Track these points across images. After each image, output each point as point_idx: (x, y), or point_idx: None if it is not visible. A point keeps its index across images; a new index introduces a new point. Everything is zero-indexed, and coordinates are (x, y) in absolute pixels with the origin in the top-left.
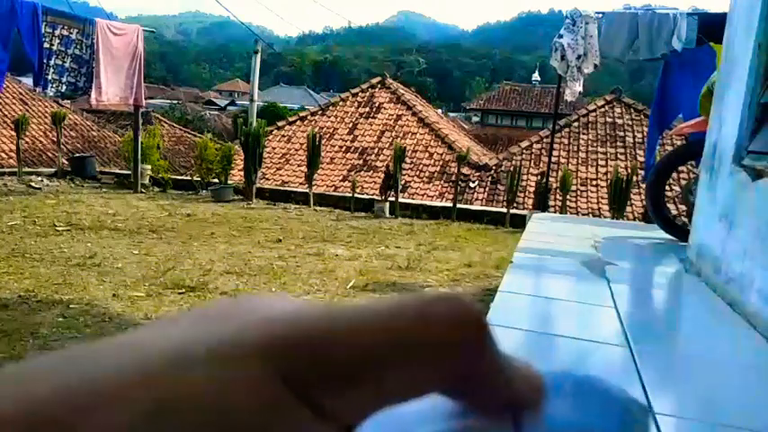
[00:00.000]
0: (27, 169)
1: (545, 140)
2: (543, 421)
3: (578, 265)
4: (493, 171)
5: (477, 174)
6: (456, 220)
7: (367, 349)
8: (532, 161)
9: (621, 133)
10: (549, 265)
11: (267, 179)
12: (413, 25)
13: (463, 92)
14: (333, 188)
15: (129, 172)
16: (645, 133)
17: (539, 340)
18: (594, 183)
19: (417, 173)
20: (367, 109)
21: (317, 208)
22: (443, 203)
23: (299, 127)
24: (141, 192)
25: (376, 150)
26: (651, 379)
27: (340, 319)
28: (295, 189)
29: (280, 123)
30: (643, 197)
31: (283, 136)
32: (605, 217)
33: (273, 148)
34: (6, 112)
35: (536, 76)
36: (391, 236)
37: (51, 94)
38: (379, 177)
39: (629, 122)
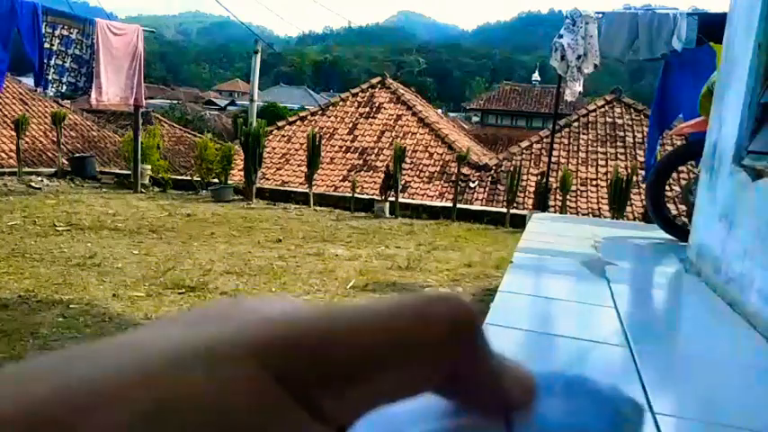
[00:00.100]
0: (27, 169)
1: (545, 140)
2: (535, 421)
3: (578, 265)
4: (493, 171)
5: (477, 174)
6: (456, 220)
7: (364, 349)
8: (532, 161)
9: (621, 133)
10: (549, 265)
11: (267, 179)
12: (413, 25)
13: (463, 92)
14: (333, 188)
15: (129, 172)
16: (645, 133)
17: (539, 340)
18: (594, 183)
19: (417, 173)
20: (367, 109)
21: (317, 208)
22: (443, 203)
23: (299, 127)
24: (141, 192)
25: (376, 150)
26: (651, 379)
27: (337, 319)
28: (295, 189)
29: (280, 123)
30: (643, 197)
31: (283, 136)
32: (605, 217)
33: (273, 148)
34: (6, 112)
35: (536, 76)
36: (391, 236)
37: (51, 94)
38: (379, 177)
39: (629, 122)
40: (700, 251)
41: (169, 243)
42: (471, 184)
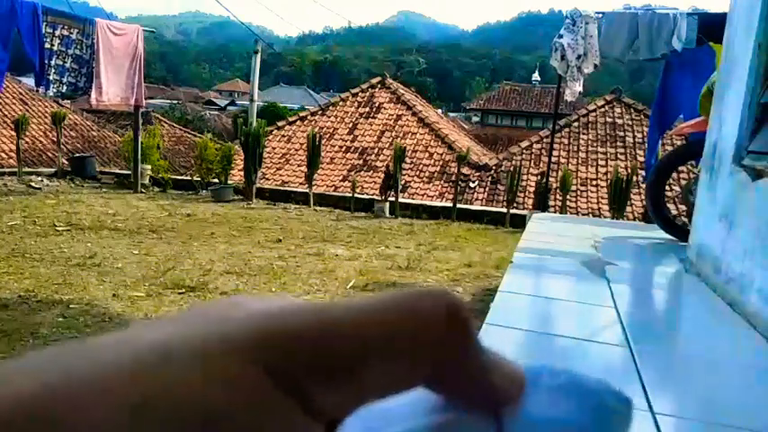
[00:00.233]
0: (27, 169)
1: (545, 140)
2: (523, 415)
3: (578, 265)
4: (493, 171)
5: (477, 174)
6: (456, 220)
7: (354, 343)
8: (532, 161)
9: (621, 133)
10: (549, 265)
11: (267, 179)
12: (413, 25)
13: (463, 92)
14: (333, 188)
15: (129, 172)
16: (645, 133)
17: (539, 340)
18: (594, 183)
19: (417, 173)
20: (367, 109)
21: (317, 208)
22: (443, 203)
23: (299, 127)
24: (141, 192)
25: (376, 150)
26: (651, 379)
27: (328, 314)
28: (295, 189)
29: (280, 123)
30: (643, 197)
31: (283, 136)
32: (605, 217)
33: (273, 148)
34: (6, 112)
35: (536, 76)
36: (391, 236)
37: (51, 94)
38: (379, 177)
39: (629, 122)
40: (700, 251)
41: (169, 243)
42: (471, 184)
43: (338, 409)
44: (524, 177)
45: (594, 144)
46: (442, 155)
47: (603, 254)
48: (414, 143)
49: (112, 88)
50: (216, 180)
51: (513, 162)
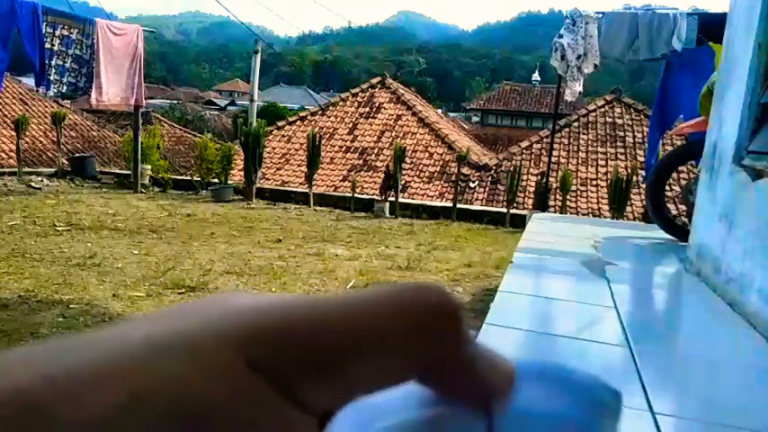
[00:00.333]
0: (27, 169)
1: (545, 140)
2: (513, 409)
3: (578, 265)
4: (493, 171)
5: (477, 174)
6: (456, 220)
7: (342, 338)
8: (532, 161)
9: (621, 133)
10: (549, 265)
11: (267, 179)
12: (413, 25)
13: (463, 92)
14: (333, 188)
15: (129, 172)
16: (645, 133)
17: (539, 340)
18: (594, 183)
19: (417, 173)
20: (367, 109)
21: (317, 208)
22: (443, 203)
23: (299, 127)
24: (141, 192)
25: (376, 150)
26: (651, 379)
27: (317, 309)
28: (295, 189)
29: (280, 123)
30: (643, 197)
31: (283, 136)
32: (605, 217)
33: (273, 148)
34: (6, 112)
35: (536, 76)
36: (391, 236)
37: (51, 94)
38: (379, 177)
39: (629, 122)
40: (700, 251)
41: (169, 243)
42: (471, 184)
43: (329, 402)
44: (524, 177)
45: (594, 144)
46: (442, 155)
47: (603, 254)
48: (414, 143)
49: (112, 88)
50: (216, 180)
51: (513, 162)
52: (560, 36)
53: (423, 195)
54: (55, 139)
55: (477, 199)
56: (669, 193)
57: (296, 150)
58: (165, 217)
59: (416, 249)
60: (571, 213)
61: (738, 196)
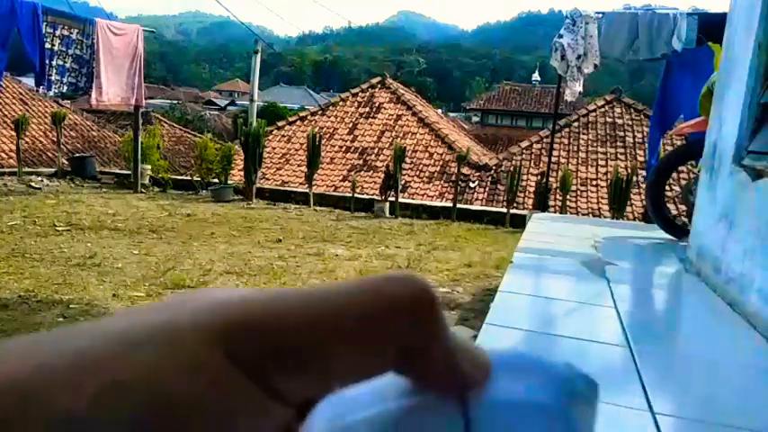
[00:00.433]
0: (27, 169)
1: (545, 140)
2: (489, 398)
3: (578, 265)
4: (493, 171)
5: (477, 174)
6: (456, 220)
7: (318, 329)
8: (532, 161)
9: (621, 133)
10: (549, 265)
11: (267, 179)
12: (413, 25)
13: (463, 92)
14: (333, 188)
15: (129, 172)
16: (645, 133)
17: (539, 340)
18: (594, 183)
19: (417, 173)
20: (367, 109)
21: (317, 208)
22: (443, 203)
23: (299, 127)
24: (141, 192)
25: (376, 150)
26: (651, 379)
27: (292, 300)
28: (295, 189)
29: (280, 123)
30: (643, 197)
31: (283, 136)
32: (605, 217)
33: (273, 148)
34: (6, 112)
35: (536, 76)
36: (391, 236)
37: (52, 94)
38: (379, 177)
39: (629, 122)
40: (700, 251)
41: (169, 243)
42: (471, 184)
43: (306, 393)
44: (524, 177)
45: (594, 144)
46: (442, 155)
47: (603, 254)
48: (414, 143)
49: (112, 88)
50: (216, 180)
51: (513, 162)
52: (560, 36)
53: (423, 195)
54: (55, 139)
55: (477, 199)
56: (669, 193)
57: (296, 150)
58: (165, 217)
59: (416, 249)
60: (571, 213)
61: (738, 196)
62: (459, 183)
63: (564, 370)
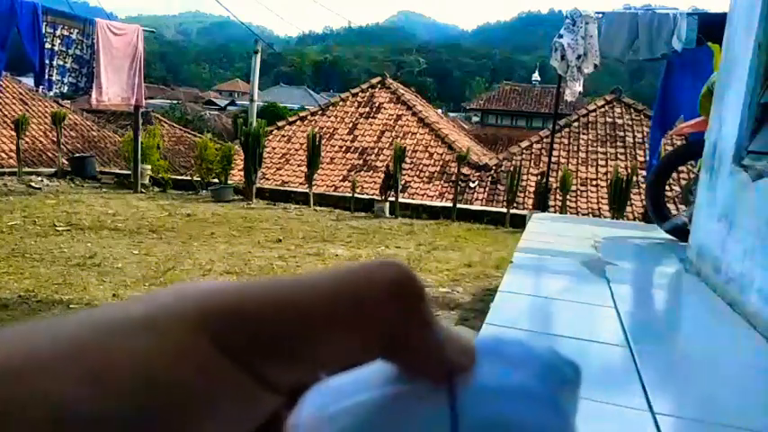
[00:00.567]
0: (27, 169)
1: (545, 140)
2: (476, 384)
3: (578, 265)
4: (493, 171)
5: (477, 174)
6: (456, 220)
7: (304, 317)
8: (532, 161)
9: (621, 133)
10: (549, 265)
11: (267, 179)
12: (413, 25)
13: (463, 92)
14: (333, 188)
15: (129, 172)
16: (645, 133)
17: (539, 340)
18: (594, 183)
19: (417, 173)
20: (367, 109)
21: (317, 208)
22: (443, 203)
23: (299, 127)
24: (141, 192)
25: (376, 150)
26: (651, 379)
27: (278, 288)
28: (295, 189)
29: (280, 123)
30: (643, 197)
31: (283, 136)
32: (605, 217)
33: (273, 148)
34: (6, 112)
35: (536, 76)
36: (391, 236)
37: (52, 94)
38: (379, 177)
39: (629, 122)
40: (700, 251)
41: (169, 243)
42: (471, 184)
43: (294, 380)
44: (524, 177)
45: (594, 144)
46: (442, 155)
47: (603, 254)
48: (414, 143)
49: (113, 88)
50: (216, 180)
51: (513, 162)
52: (560, 36)
53: (423, 195)
54: (55, 139)
55: (477, 199)
56: (669, 193)
57: (296, 150)
58: (165, 217)
59: (416, 249)
60: (571, 213)
61: (738, 196)
62: (459, 183)
63: (549, 355)
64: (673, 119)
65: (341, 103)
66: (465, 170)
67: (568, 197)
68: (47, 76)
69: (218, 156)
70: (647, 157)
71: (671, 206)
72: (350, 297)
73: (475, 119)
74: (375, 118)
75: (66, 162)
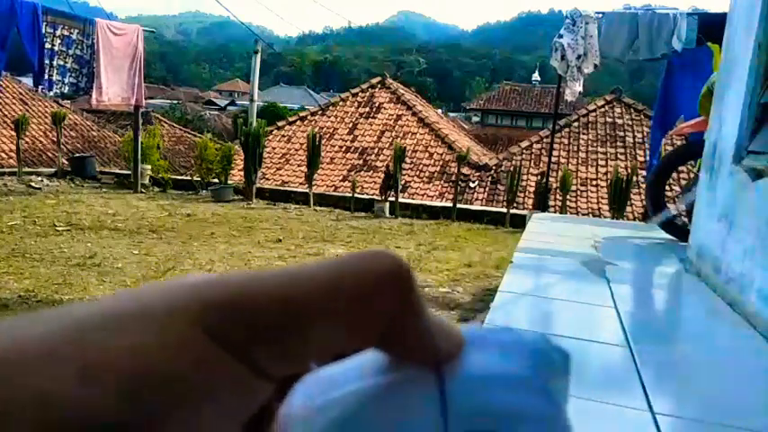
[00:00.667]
0: (27, 169)
1: (545, 140)
2: (465, 372)
3: (578, 265)
4: (493, 171)
5: (477, 174)
6: (456, 220)
7: (293, 305)
8: (532, 161)
9: (621, 133)
10: (549, 265)
11: (267, 179)
12: (413, 25)
13: (463, 92)
14: (333, 188)
15: (129, 172)
16: (645, 133)
17: None
18: (594, 183)
19: (417, 173)
20: (367, 109)
21: (317, 208)
22: (443, 203)
23: (299, 127)
24: (141, 192)
25: (376, 150)
26: (651, 379)
27: (268, 278)
28: (295, 189)
29: (280, 123)
30: (643, 197)
31: (283, 136)
32: (605, 217)
33: (273, 148)
34: (6, 112)
35: (536, 76)
36: (391, 236)
37: (52, 94)
38: (379, 177)
39: (629, 122)
40: (700, 251)
41: (169, 243)
42: (471, 184)
43: (287, 368)
44: (524, 177)
45: (594, 144)
46: (442, 155)
47: (603, 254)
48: (414, 143)
49: (113, 88)
50: (216, 180)
51: (513, 162)
52: (560, 36)
53: (423, 195)
54: (55, 139)
55: (477, 199)
56: (669, 193)
57: (296, 150)
58: (165, 217)
59: (416, 249)
60: (571, 213)
61: (738, 196)
62: (459, 183)
63: (539, 342)
64: (673, 119)
65: (341, 103)
66: (465, 170)
67: (568, 197)
68: (47, 76)
69: (218, 156)
70: (648, 158)
71: (671, 206)
72: (344, 286)
73: (475, 119)
74: (375, 118)
75: (66, 162)
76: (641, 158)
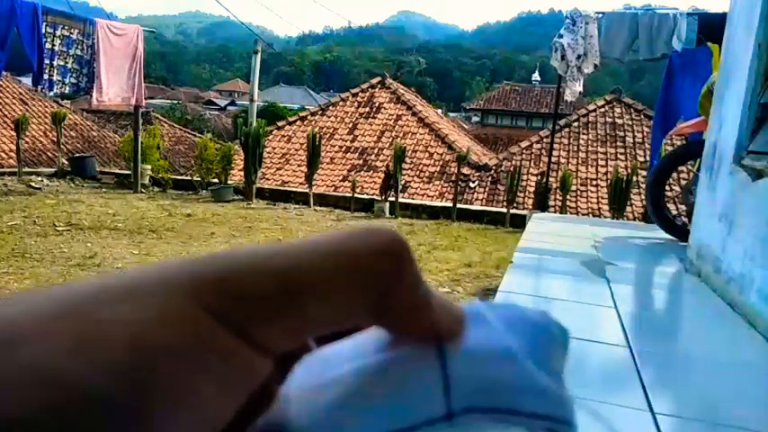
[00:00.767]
0: (27, 169)
1: (545, 140)
2: (466, 347)
3: (578, 265)
4: (493, 171)
5: (477, 174)
6: (456, 220)
7: (290, 279)
8: (532, 161)
9: (621, 133)
10: (549, 265)
11: (267, 179)
12: (413, 25)
13: (463, 92)
14: (333, 188)
15: (129, 172)
16: (645, 133)
17: None
18: (594, 183)
19: (417, 173)
20: (367, 109)
21: (317, 208)
22: (443, 203)
23: (299, 127)
24: (141, 192)
25: (376, 150)
26: (651, 379)
27: (263, 253)
28: (295, 189)
29: (280, 123)
30: (643, 197)
31: (283, 136)
32: (605, 217)
33: (273, 148)
34: (6, 112)
35: (536, 76)
36: None
37: (51, 94)
38: (379, 177)
39: (629, 122)
40: (700, 251)
41: (169, 243)
42: (471, 184)
43: (285, 344)
44: (524, 177)
45: (594, 144)
46: (442, 155)
47: (603, 254)
48: (414, 143)
49: (113, 88)
50: (216, 180)
51: (513, 162)
52: (560, 36)
53: (423, 195)
54: (55, 139)
55: (477, 199)
56: (669, 193)
57: (296, 150)
58: (165, 217)
59: (416, 249)
60: (571, 213)
61: (738, 196)
62: (459, 183)
63: (539, 317)
64: (674, 119)
65: (341, 103)
66: (465, 170)
67: (568, 197)
68: (47, 76)
69: (218, 156)
70: (649, 158)
71: (671, 206)
72: (341, 260)
73: (475, 119)
74: (375, 118)
75: (66, 162)
76: (641, 158)
